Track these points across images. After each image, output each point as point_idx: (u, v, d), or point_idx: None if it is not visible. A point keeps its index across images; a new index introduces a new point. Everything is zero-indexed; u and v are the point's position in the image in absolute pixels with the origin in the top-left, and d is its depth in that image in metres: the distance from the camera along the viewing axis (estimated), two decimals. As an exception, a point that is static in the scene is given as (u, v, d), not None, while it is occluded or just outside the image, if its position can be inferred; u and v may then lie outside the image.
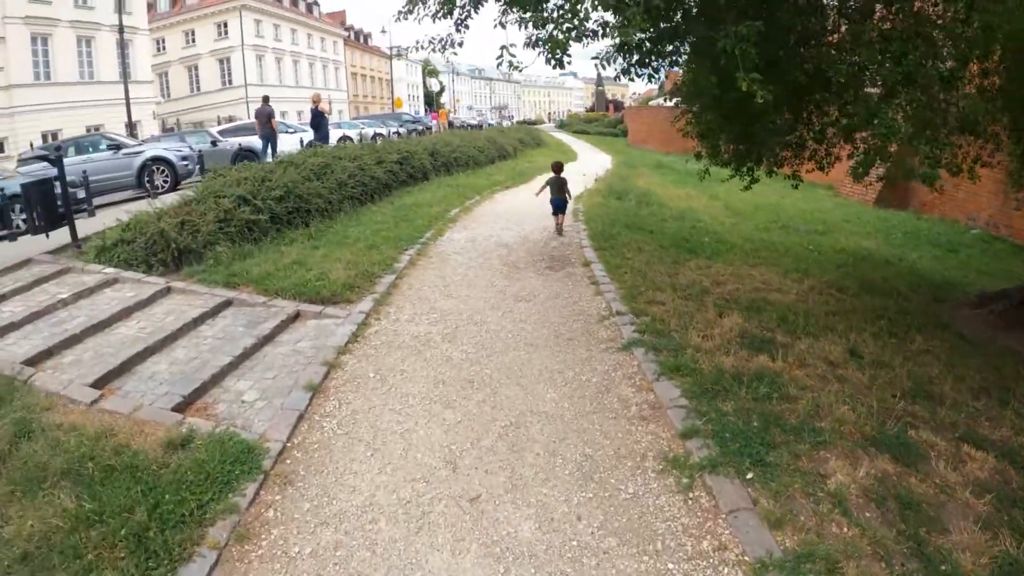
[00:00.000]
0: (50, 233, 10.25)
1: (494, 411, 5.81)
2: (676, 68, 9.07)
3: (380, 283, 9.24)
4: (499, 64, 6.48)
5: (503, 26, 7.86)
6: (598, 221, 14.22)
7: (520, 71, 6.81)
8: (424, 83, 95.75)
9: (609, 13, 6.14)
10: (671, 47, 7.52)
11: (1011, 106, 8.36)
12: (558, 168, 13.84)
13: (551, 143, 47.28)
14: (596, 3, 5.99)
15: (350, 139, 24.95)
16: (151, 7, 53.67)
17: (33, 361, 6.59)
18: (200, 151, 19.21)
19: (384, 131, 33.46)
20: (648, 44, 7.07)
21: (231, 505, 4.42)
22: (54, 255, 10.07)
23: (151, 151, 17.76)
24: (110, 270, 9.27)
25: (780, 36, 6.76)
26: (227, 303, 8.31)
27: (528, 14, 6.66)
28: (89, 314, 7.84)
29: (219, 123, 36.30)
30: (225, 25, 56.63)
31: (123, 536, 4.01)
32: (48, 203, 10.00)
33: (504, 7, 7.75)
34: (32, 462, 4.73)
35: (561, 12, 6.20)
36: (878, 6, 7.21)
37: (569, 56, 6.21)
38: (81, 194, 13.08)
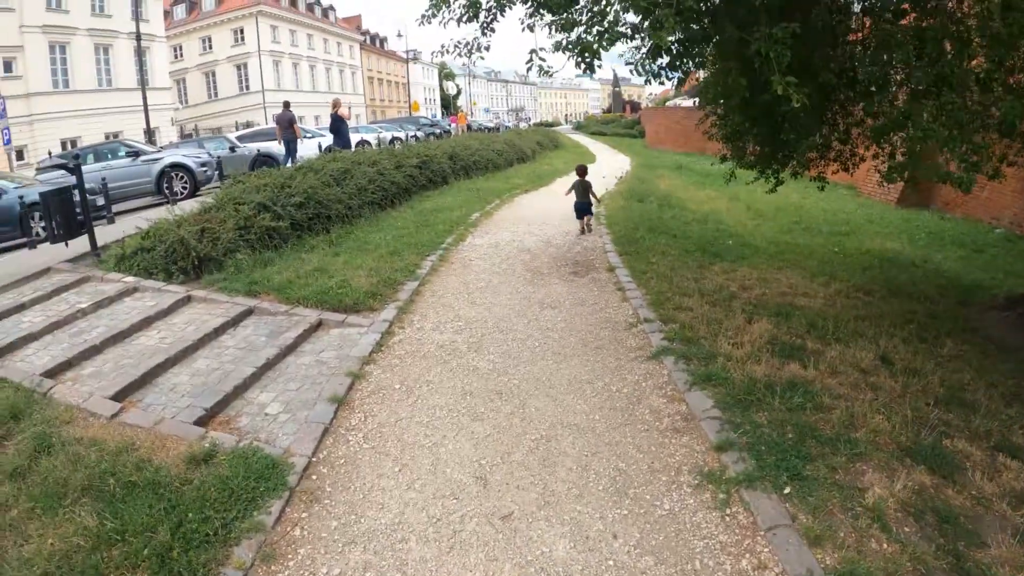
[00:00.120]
0: (69, 241, 10.17)
1: (524, 423, 5.65)
2: (703, 70, 8.92)
3: (403, 290, 9.12)
4: (529, 68, 6.35)
5: (531, 29, 7.71)
6: (621, 225, 14.08)
7: (551, 75, 6.66)
8: (441, 86, 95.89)
9: (639, 16, 5.98)
10: (701, 49, 7.34)
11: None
12: (582, 171, 14.02)
13: (568, 145, 47.33)
14: (627, 5, 5.83)
15: (368, 143, 24.90)
16: (168, 14, 54.18)
17: (52, 373, 6.50)
18: (219, 157, 19.25)
19: (402, 135, 33.41)
20: (679, 47, 6.91)
21: (256, 524, 4.28)
22: (73, 263, 10.00)
23: (170, 157, 17.81)
24: (130, 279, 9.19)
25: (812, 37, 6.58)
26: (248, 312, 8.20)
27: (557, 17, 6.52)
28: (109, 324, 7.75)
29: (237, 129, 36.38)
30: (241, 31, 56.98)
31: (146, 556, 3.89)
32: (67, 211, 9.93)
33: (532, 9, 7.60)
34: (52, 478, 4.62)
35: (591, 15, 6.05)
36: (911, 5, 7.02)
37: (599, 60, 6.06)
38: (100, 201, 13.10)
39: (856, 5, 7.77)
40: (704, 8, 6.42)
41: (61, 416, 5.54)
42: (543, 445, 5.31)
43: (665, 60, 7.03)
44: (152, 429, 5.39)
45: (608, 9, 5.86)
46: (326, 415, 5.75)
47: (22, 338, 7.35)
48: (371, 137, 28.39)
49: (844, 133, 8.87)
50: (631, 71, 6.61)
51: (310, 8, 66.87)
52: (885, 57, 6.91)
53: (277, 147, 20.96)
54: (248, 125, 40.56)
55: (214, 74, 58.11)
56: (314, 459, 5.16)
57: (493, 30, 8.20)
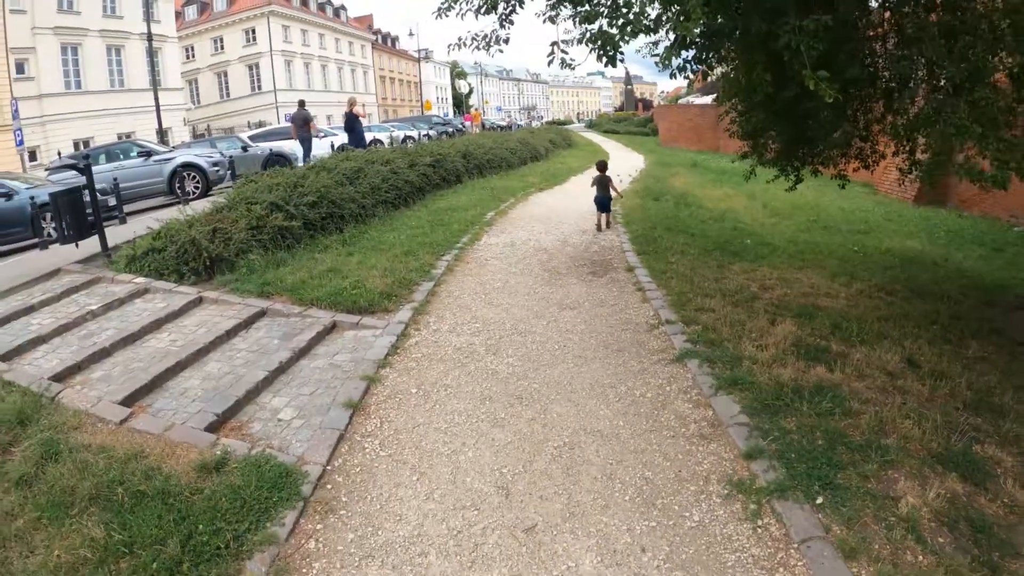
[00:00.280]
0: (80, 242, 10.06)
1: (545, 430, 5.46)
2: (722, 66, 8.73)
3: (418, 291, 8.95)
4: (550, 62, 6.16)
5: (552, 21, 7.47)
6: (638, 223, 13.94)
7: (573, 68, 6.47)
8: (452, 85, 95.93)
9: (663, 7, 5.80)
10: (726, 42, 7.15)
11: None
12: (602, 167, 14.23)
13: (581, 143, 47.09)
14: None
15: (381, 142, 24.83)
16: (179, 15, 54.36)
17: (61, 376, 6.36)
18: (231, 157, 19.18)
19: (414, 134, 33.40)
20: (704, 40, 6.73)
21: (269, 536, 4.11)
22: (84, 264, 9.89)
23: (182, 157, 17.74)
24: (141, 280, 9.06)
25: (838, 32, 6.39)
26: (261, 313, 8.04)
27: (579, 8, 6.32)
28: (119, 326, 7.62)
29: (249, 128, 36.39)
30: (253, 31, 57.13)
31: (155, 570, 3.75)
32: (77, 212, 9.81)
33: (554, 1, 7.39)
34: (59, 486, 4.48)
35: (613, 6, 5.85)
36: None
37: (622, 53, 5.87)
38: (112, 202, 13.02)
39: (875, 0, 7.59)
40: None
41: (69, 421, 5.39)
42: (566, 453, 5.13)
43: (690, 53, 6.86)
44: (162, 435, 5.24)
45: (632, 0, 5.66)
46: (341, 421, 5.58)
47: (31, 340, 7.24)
48: (383, 136, 28.34)
49: (864, 130, 8.72)
50: (655, 64, 6.40)
51: (321, 8, 67.02)
52: (910, 52, 6.73)
53: (289, 146, 20.95)
54: (260, 125, 40.62)
55: (226, 74, 58.32)
56: (329, 467, 4.98)
57: (512, 22, 7.98)
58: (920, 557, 3.81)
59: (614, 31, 5.73)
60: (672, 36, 6.11)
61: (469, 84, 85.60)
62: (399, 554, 4.07)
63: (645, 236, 12.47)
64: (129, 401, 5.84)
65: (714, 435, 5.31)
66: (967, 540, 3.98)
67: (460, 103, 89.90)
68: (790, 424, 5.21)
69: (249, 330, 7.67)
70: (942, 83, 7.04)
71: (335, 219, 12.00)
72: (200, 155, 18.21)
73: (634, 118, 77.51)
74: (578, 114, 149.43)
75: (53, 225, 11.11)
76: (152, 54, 32.97)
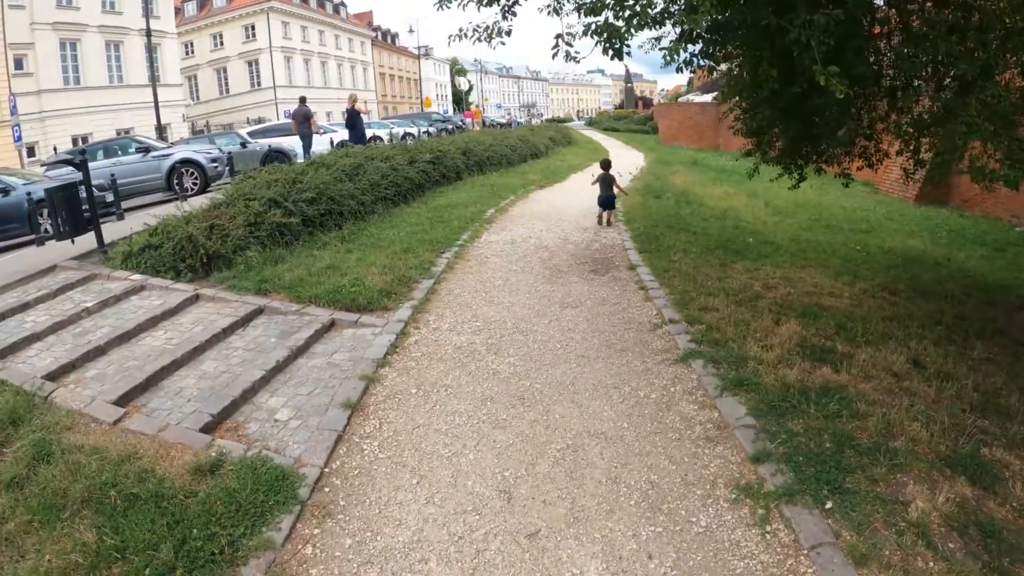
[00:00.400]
0: (76, 238, 9.96)
1: (548, 432, 5.35)
2: (726, 63, 8.63)
3: (418, 288, 8.85)
4: (554, 55, 6.04)
5: (556, 12, 7.36)
6: (639, 221, 13.85)
7: (578, 61, 6.36)
8: (452, 82, 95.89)
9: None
10: (733, 36, 7.05)
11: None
12: (606, 165, 14.23)
13: (581, 141, 46.99)
14: None
15: (380, 139, 24.78)
16: (179, 11, 54.31)
17: (54, 375, 6.25)
18: (230, 153, 19.13)
19: (414, 131, 33.34)
20: (710, 34, 6.62)
21: (265, 541, 4.00)
22: (80, 261, 9.79)
23: (180, 153, 17.69)
24: (137, 277, 8.95)
25: (848, 27, 6.30)
26: (258, 311, 7.94)
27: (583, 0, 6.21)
28: (114, 324, 7.51)
29: (249, 124, 36.32)
30: (253, 27, 57.07)
31: (147, 576, 3.62)
32: (73, 208, 9.69)
33: None
34: (51, 488, 4.37)
35: None
36: None
37: (628, 46, 5.77)
38: (110, 197, 12.94)
39: None
40: None
41: (62, 422, 5.29)
42: (569, 455, 5.02)
43: (697, 47, 6.76)
44: (156, 436, 5.13)
45: None
46: (339, 422, 5.47)
47: (25, 338, 7.14)
48: (383, 133, 28.30)
49: (868, 128, 8.67)
50: (662, 57, 6.28)
51: (321, 4, 66.92)
52: (915, 50, 6.65)
53: (288, 143, 20.93)
54: (260, 121, 40.52)
55: (225, 70, 58.27)
56: (326, 470, 4.87)
57: (514, 13, 7.85)
58: (931, 563, 3.72)
59: (620, 23, 5.63)
60: (678, 30, 5.99)
61: (469, 81, 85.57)
62: (398, 560, 3.96)
63: (647, 234, 12.38)
64: (123, 401, 5.73)
65: (720, 437, 5.21)
66: (977, 545, 3.91)
67: (460, 100, 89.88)
68: (797, 426, 5.12)
69: (246, 328, 7.56)
70: (947, 82, 6.98)
71: (334, 216, 11.89)
72: (199, 151, 18.14)
73: (634, 116, 77.54)
74: (578, 112, 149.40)
75: (50, 221, 11.01)
76: (151, 50, 32.98)
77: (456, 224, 12.95)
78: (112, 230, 10.84)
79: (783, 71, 6.52)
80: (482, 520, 4.31)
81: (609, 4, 5.77)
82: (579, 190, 17.91)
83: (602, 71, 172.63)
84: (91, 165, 10.61)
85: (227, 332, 7.33)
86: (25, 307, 8.15)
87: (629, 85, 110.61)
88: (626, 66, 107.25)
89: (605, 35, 5.69)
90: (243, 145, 21.33)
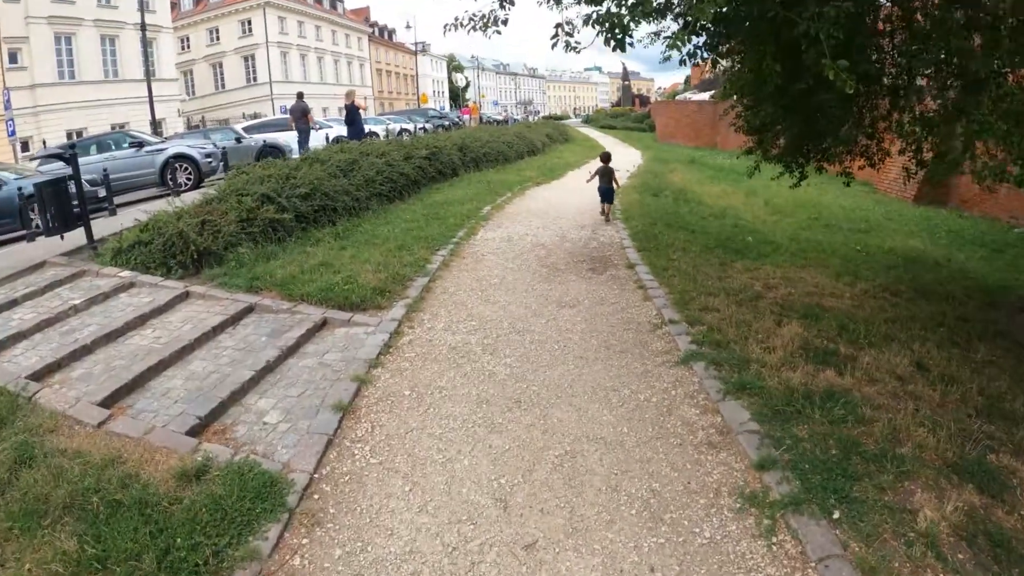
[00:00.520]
0: (65, 234, 9.80)
1: (545, 437, 5.21)
2: (727, 60, 8.52)
3: (412, 287, 8.70)
4: (554, 45, 5.90)
5: (558, 2, 7.21)
6: (637, 219, 13.74)
7: (578, 52, 6.22)
8: (449, 79, 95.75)
9: None
10: (738, 30, 6.92)
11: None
12: (606, 158, 14.26)
13: (578, 138, 46.89)
14: None
15: (376, 135, 24.68)
16: (175, 5, 54.23)
17: (39, 375, 6.11)
18: (224, 148, 19.01)
19: (410, 127, 33.24)
20: (716, 26, 6.50)
21: (251, 551, 3.86)
22: (69, 257, 9.64)
23: (174, 148, 17.59)
24: (126, 273, 8.80)
25: (855, 23, 6.18)
26: (249, 309, 7.79)
27: None
28: (102, 322, 7.35)
29: (244, 120, 36.19)
30: (249, 23, 56.91)
31: (128, 587, 3.48)
32: (62, 203, 9.53)
33: None
34: (32, 494, 4.23)
35: None
36: None
37: (631, 37, 5.63)
38: (102, 193, 12.81)
39: None
40: None
41: (45, 424, 5.14)
42: (568, 461, 4.88)
43: (701, 39, 6.64)
44: (141, 439, 4.98)
45: None
46: (329, 425, 5.32)
47: (11, 337, 7.01)
48: (379, 129, 28.19)
49: (870, 127, 8.55)
50: (665, 47, 6.13)
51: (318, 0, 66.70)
52: (920, 48, 6.53)
53: (284, 138, 20.89)
54: (255, 116, 40.37)
55: (221, 65, 58.13)
56: (316, 476, 4.73)
57: (512, 3, 7.72)
58: (941, 575, 3.60)
59: (623, 11, 5.49)
60: (681, 22, 5.85)
61: (466, 78, 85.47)
62: (390, 572, 3.82)
63: (645, 232, 12.26)
64: (109, 402, 5.58)
65: (723, 443, 5.07)
66: (986, 556, 3.79)
67: (457, 97, 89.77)
68: (802, 432, 4.98)
69: (236, 327, 7.41)
70: (950, 81, 6.86)
71: (328, 212, 11.76)
72: (193, 146, 18.08)
73: (631, 114, 77.54)
74: (575, 109, 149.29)
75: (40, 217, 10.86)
76: (147, 44, 32.78)
77: (452, 221, 12.83)
78: (104, 226, 10.71)
79: (787, 66, 6.40)
80: (477, 530, 4.16)
81: None
82: (576, 187, 17.83)
83: (599, 68, 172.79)
84: (84, 160, 10.48)
85: (217, 331, 7.18)
86: (13, 304, 8.00)
87: (626, 83, 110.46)
88: (623, 64, 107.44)
89: (607, 24, 5.56)
90: (238, 140, 21.26)
